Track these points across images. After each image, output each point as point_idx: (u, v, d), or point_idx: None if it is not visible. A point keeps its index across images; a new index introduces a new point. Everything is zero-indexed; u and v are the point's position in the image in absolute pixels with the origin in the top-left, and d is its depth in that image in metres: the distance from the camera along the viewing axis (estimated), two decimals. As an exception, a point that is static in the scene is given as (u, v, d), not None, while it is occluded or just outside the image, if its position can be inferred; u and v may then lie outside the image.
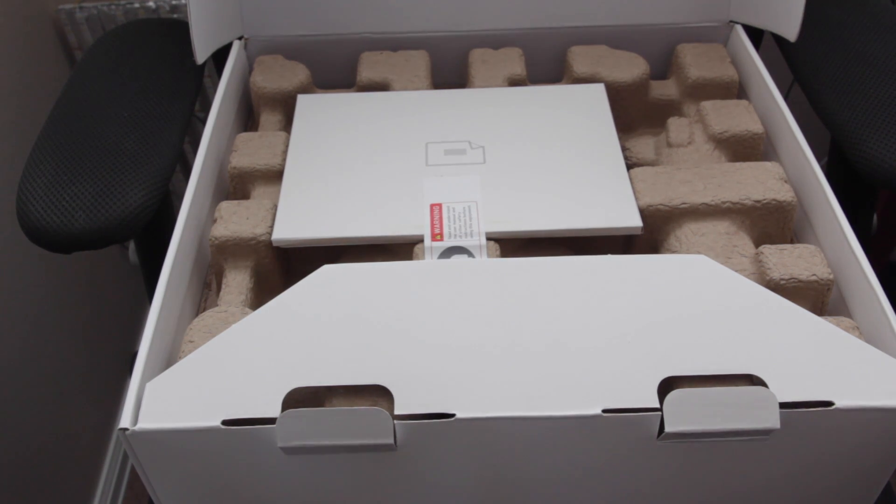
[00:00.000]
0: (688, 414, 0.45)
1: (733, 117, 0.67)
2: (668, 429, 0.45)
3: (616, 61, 0.75)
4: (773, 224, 0.61)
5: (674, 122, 0.69)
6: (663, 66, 0.80)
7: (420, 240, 0.58)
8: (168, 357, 0.53)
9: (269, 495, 0.50)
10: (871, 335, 0.52)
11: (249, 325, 0.48)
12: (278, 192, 0.63)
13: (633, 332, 0.47)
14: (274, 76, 0.74)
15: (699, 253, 0.55)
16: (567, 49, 0.77)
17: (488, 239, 0.58)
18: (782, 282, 0.54)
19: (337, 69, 0.80)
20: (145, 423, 0.46)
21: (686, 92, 0.75)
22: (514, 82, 0.75)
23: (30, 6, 1.03)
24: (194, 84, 0.75)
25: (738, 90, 0.75)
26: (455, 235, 0.58)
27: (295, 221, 0.60)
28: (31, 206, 0.60)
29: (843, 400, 0.46)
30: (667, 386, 0.46)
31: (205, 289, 0.62)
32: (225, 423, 0.45)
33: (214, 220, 0.60)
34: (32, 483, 0.99)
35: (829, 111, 0.67)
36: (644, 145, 0.73)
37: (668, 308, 0.48)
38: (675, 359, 0.47)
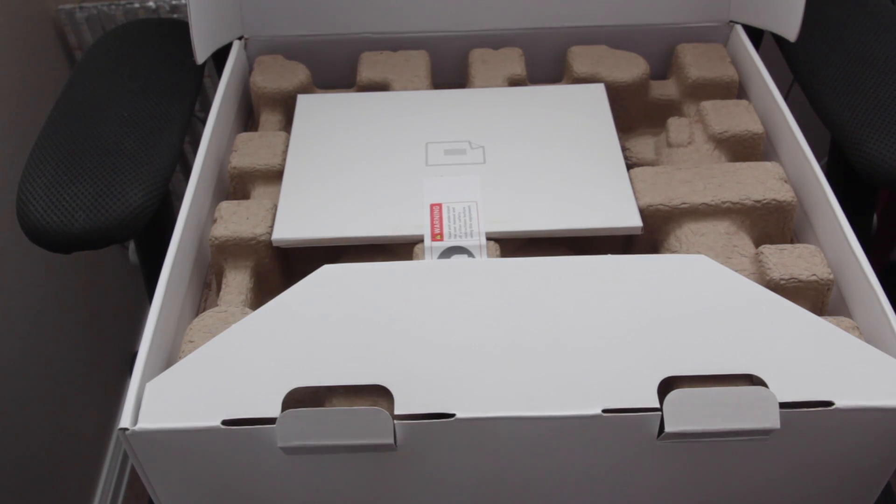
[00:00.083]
0: (688, 414, 0.45)
1: (733, 117, 0.67)
2: (668, 429, 0.45)
3: (616, 61, 0.75)
4: (773, 224, 0.61)
5: (674, 122, 0.69)
6: (663, 66, 0.80)
7: (420, 240, 0.58)
8: (168, 357, 0.53)
9: (269, 495, 0.50)
10: (871, 335, 0.52)
11: (249, 325, 0.48)
12: (278, 192, 0.63)
13: (633, 332, 0.47)
14: (274, 76, 0.74)
15: (699, 253, 0.55)
16: (567, 49, 0.77)
17: (488, 239, 0.58)
18: (782, 282, 0.54)
19: (337, 69, 0.80)
20: (145, 423, 0.46)
21: (686, 92, 0.75)
22: (514, 82, 0.75)
23: (30, 6, 1.03)
24: (194, 84, 0.75)
25: (738, 90, 0.75)
26: (455, 235, 0.58)
27: (295, 221, 0.60)
28: (31, 206, 0.60)
29: (843, 400, 0.46)
30: (667, 386, 0.46)
31: (205, 289, 0.62)
32: (225, 423, 0.45)
33: (214, 220, 0.60)
34: (32, 483, 0.99)
35: (829, 111, 0.67)
36: (644, 145, 0.73)
37: (668, 308, 0.48)
38: (675, 359, 0.47)
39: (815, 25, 0.75)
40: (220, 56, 0.77)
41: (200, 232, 0.62)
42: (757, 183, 0.61)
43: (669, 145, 0.68)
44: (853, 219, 0.57)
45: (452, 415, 0.45)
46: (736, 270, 0.53)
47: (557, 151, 0.65)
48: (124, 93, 0.71)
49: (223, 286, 0.59)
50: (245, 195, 0.67)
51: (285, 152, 0.67)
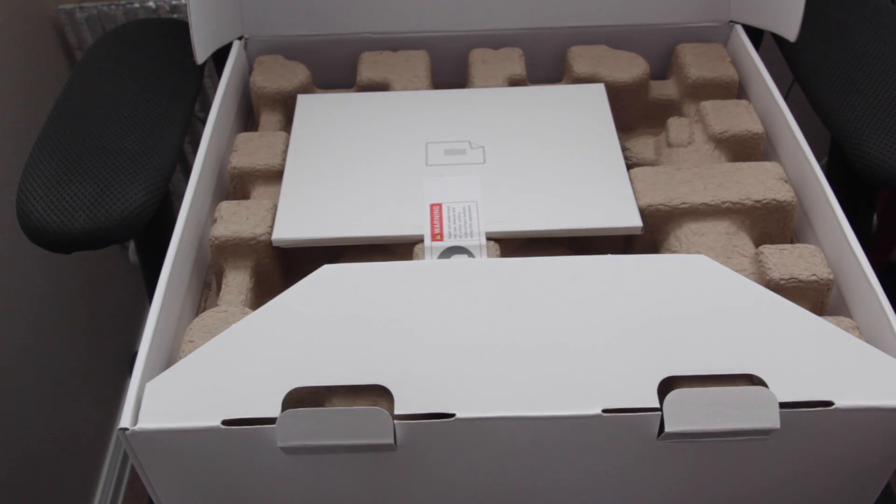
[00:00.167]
0: (688, 414, 0.45)
1: (733, 117, 0.67)
2: (668, 429, 0.45)
3: (616, 61, 0.75)
4: (773, 224, 0.61)
5: (674, 122, 0.69)
6: (663, 66, 0.80)
7: (420, 240, 0.58)
8: (168, 357, 0.53)
9: (269, 495, 0.50)
10: (871, 335, 0.52)
11: (249, 325, 0.48)
12: (278, 192, 0.63)
13: (633, 332, 0.47)
14: (274, 76, 0.74)
15: (699, 253, 0.55)
16: (567, 49, 0.77)
17: (488, 239, 0.58)
18: (782, 282, 0.54)
19: (337, 69, 0.80)
20: (145, 423, 0.46)
21: (686, 92, 0.75)
22: (514, 82, 0.75)
23: (30, 6, 1.03)
24: (194, 84, 0.75)
25: (738, 90, 0.75)
26: (455, 235, 0.58)
27: (295, 221, 0.60)
28: (31, 206, 0.60)
29: (843, 400, 0.46)
30: (667, 386, 0.46)
31: (205, 289, 0.62)
32: (225, 423, 0.45)
33: (214, 220, 0.60)
34: (32, 483, 0.99)
35: (829, 111, 0.67)
36: (644, 145, 0.73)
37: (668, 308, 0.48)
38: (675, 359, 0.47)
39: (815, 25, 0.75)
40: (220, 56, 0.77)
41: (200, 232, 0.62)
42: (757, 183, 0.61)
43: (669, 145, 0.68)
44: (853, 219, 0.57)
45: (452, 415, 0.45)
46: (736, 270, 0.53)
47: (557, 151, 0.65)
48: (124, 93, 0.71)
49: (223, 286, 0.59)
50: (245, 195, 0.67)
51: (285, 152, 0.67)
